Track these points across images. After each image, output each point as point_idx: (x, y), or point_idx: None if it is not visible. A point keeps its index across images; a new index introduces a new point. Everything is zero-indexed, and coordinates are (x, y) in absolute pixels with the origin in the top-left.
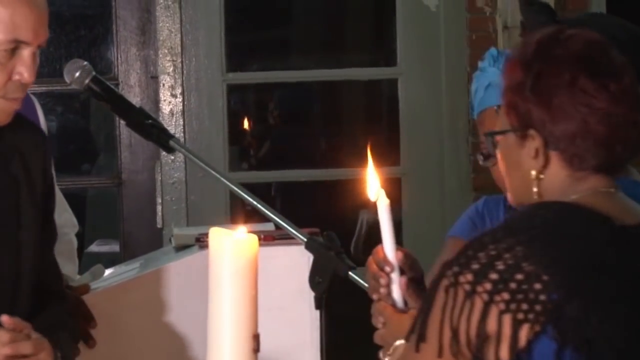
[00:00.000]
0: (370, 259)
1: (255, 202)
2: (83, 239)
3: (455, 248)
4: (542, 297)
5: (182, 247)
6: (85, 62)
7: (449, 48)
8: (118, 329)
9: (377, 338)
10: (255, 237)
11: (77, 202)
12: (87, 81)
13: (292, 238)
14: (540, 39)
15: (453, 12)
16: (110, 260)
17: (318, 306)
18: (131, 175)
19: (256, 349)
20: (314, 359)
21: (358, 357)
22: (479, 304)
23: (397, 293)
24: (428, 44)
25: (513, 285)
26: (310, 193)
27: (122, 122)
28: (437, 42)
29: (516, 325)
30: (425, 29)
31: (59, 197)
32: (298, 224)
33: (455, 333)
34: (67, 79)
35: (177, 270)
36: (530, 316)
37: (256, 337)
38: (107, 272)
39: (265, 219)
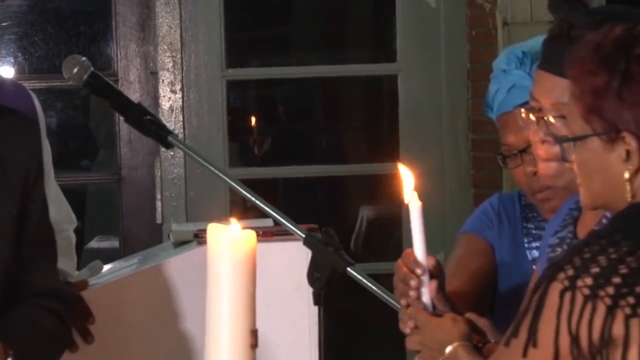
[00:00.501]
0: (400, 261)
1: (253, 198)
2: (83, 235)
3: (469, 244)
4: None
5: (181, 243)
6: (84, 58)
7: (448, 44)
8: (116, 324)
9: (412, 343)
10: (253, 233)
11: (76, 198)
12: (85, 77)
13: (291, 234)
14: (618, 38)
15: (453, 8)
16: (110, 256)
17: (316, 302)
18: (131, 171)
19: (254, 345)
20: (312, 355)
21: (356, 353)
22: (601, 309)
23: (426, 297)
24: (428, 40)
25: (639, 289)
26: (310, 189)
27: (121, 118)
28: (436, 38)
29: None
30: (425, 25)
31: (57, 193)
32: (298, 220)
33: (575, 338)
34: (65, 74)
35: (175, 266)
36: None
37: (254, 333)
38: (106, 268)
39: (264, 215)
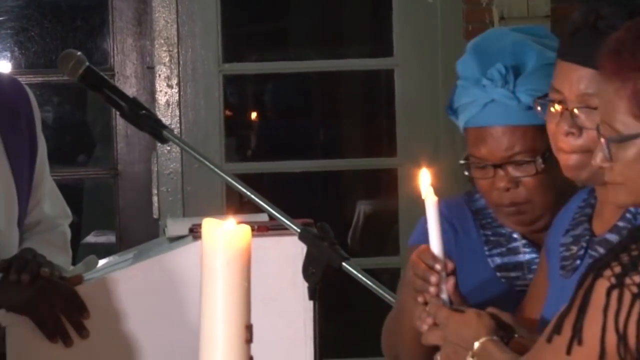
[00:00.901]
0: (416, 258)
1: (248, 193)
2: (79, 230)
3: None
4: None
5: (176, 238)
6: (79, 53)
7: (445, 39)
8: (111, 319)
9: (433, 338)
10: (248, 228)
11: (73, 193)
12: (80, 71)
13: (286, 229)
14: None
15: (450, 3)
16: (107, 251)
17: (312, 297)
18: (127, 166)
19: (249, 340)
20: (307, 350)
21: (352, 348)
22: None
23: (444, 293)
24: (424, 35)
25: None
26: (307, 184)
27: (117, 112)
28: (433, 33)
29: None
30: (422, 20)
31: (52, 188)
32: (295, 215)
33: (622, 337)
34: (60, 69)
35: (170, 261)
36: None
37: (249, 328)
38: (101, 262)
39: (259, 209)
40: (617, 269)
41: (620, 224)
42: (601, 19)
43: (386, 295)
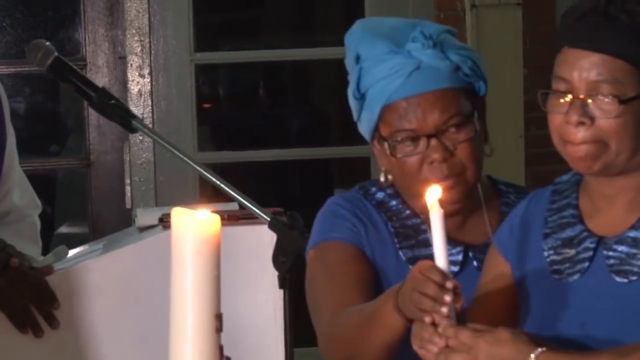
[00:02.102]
0: (421, 276)
1: (218, 182)
2: (53, 221)
3: (342, 253)
4: None
5: (146, 228)
6: (48, 43)
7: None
8: (81, 309)
9: None
10: (217, 217)
11: (46, 183)
12: (49, 61)
13: (256, 218)
14: None
15: None
16: (80, 241)
17: (282, 285)
18: (100, 156)
19: (219, 329)
20: (277, 338)
21: None
22: None
23: (453, 312)
24: None
25: None
26: (282, 173)
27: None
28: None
29: None
30: (394, 8)
31: (22, 178)
32: (267, 203)
33: None
34: (29, 59)
35: (139, 251)
36: None
37: (219, 317)
38: (71, 252)
39: (231, 199)
40: None
41: None
42: (612, 3)
43: None
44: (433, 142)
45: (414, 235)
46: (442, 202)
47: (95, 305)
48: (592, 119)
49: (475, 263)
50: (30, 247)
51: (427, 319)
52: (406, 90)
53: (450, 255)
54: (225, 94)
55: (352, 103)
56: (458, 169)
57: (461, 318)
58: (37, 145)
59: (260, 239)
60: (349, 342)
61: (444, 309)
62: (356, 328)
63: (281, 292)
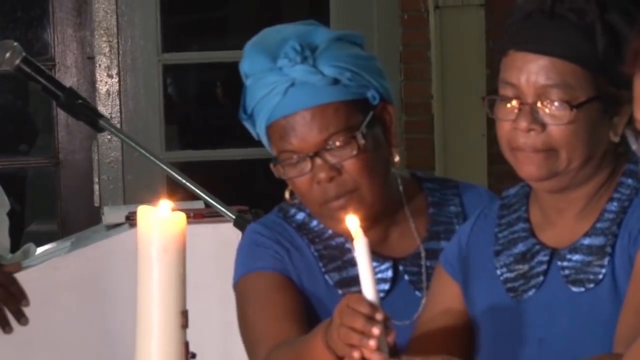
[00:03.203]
0: (348, 309)
1: (184, 181)
2: (23, 219)
3: (261, 286)
4: None
5: (113, 226)
6: (16, 43)
7: (381, 28)
8: (49, 306)
9: None
10: (183, 215)
11: (16, 182)
12: (17, 62)
13: (222, 216)
14: None
15: None
16: (49, 239)
17: None
18: (68, 155)
19: (185, 325)
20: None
21: None
22: None
23: (384, 344)
24: (362, 23)
25: None
26: (246, 171)
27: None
28: (370, 22)
29: None
30: (359, 9)
31: None
32: (233, 201)
33: None
34: None
35: (106, 248)
36: None
37: (185, 314)
38: (40, 250)
39: (197, 197)
40: None
41: (601, 225)
42: (558, 3)
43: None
44: (317, 161)
45: (339, 255)
46: (339, 223)
47: (63, 302)
48: (543, 125)
49: (406, 277)
50: None
51: (356, 355)
52: (283, 109)
53: (379, 272)
54: (192, 93)
55: (244, 123)
56: (350, 186)
57: (394, 351)
58: (6, 144)
59: (226, 237)
60: None
61: (372, 342)
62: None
63: None
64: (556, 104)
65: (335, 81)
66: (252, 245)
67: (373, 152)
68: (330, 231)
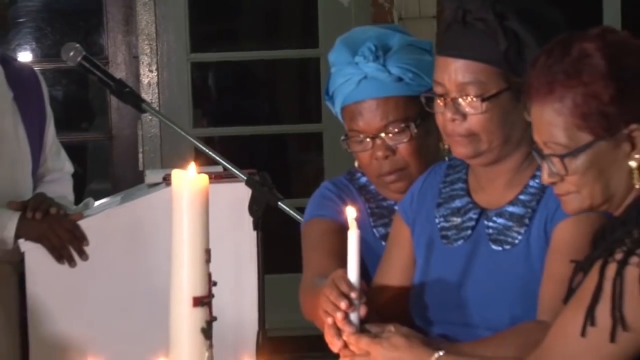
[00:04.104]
0: (332, 282)
1: (206, 150)
2: (84, 180)
3: (321, 228)
4: None
5: (154, 185)
6: (78, 45)
7: None
8: (104, 246)
9: None
10: (206, 176)
11: (79, 152)
12: (79, 59)
13: (236, 177)
14: (586, 49)
15: (361, 6)
16: (104, 195)
17: (255, 227)
18: (119, 131)
19: (208, 260)
20: (252, 267)
21: (285, 266)
22: None
23: (355, 317)
24: (342, 31)
25: None
26: (254, 143)
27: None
28: (349, 29)
29: None
30: (340, 20)
31: (59, 148)
32: (244, 166)
33: (634, 311)
34: (63, 57)
35: (148, 202)
36: None
37: (208, 251)
38: (97, 203)
39: (217, 162)
40: (619, 256)
41: (523, 197)
42: (468, 13)
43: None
44: (377, 141)
45: (388, 214)
46: (390, 192)
47: (114, 243)
48: (464, 115)
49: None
50: (65, 199)
51: (329, 321)
52: (355, 96)
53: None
54: (213, 84)
55: (326, 102)
56: (400, 165)
57: (363, 326)
58: (72, 123)
59: (239, 194)
60: (305, 308)
61: (339, 315)
62: (309, 299)
63: (255, 233)
64: (472, 98)
65: (399, 79)
66: (320, 197)
67: (423, 140)
68: (382, 195)
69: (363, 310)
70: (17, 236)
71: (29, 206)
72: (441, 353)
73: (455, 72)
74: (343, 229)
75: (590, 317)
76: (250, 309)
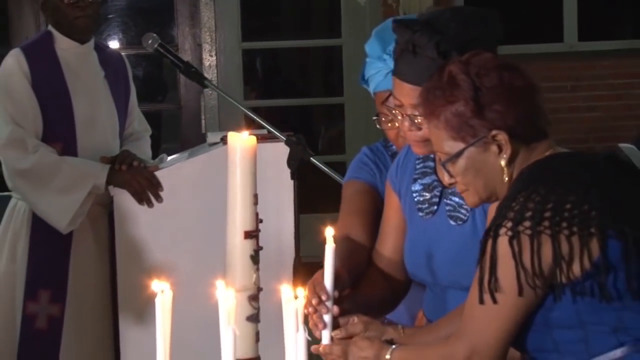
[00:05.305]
0: (310, 282)
1: (254, 117)
2: (159, 141)
3: (353, 189)
4: (593, 214)
5: (214, 144)
6: (155, 34)
7: (371, 28)
8: (175, 192)
9: None
10: (254, 138)
11: (155, 119)
12: (155, 46)
13: (277, 138)
14: (452, 71)
15: (374, 5)
16: (175, 152)
17: (292, 177)
18: (186, 102)
19: (256, 202)
20: (290, 207)
21: (315, 207)
22: (546, 238)
23: (328, 318)
24: (359, 25)
25: (567, 214)
26: (291, 111)
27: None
28: (364, 24)
29: (585, 240)
30: (358, 16)
31: (139, 114)
32: (283, 129)
33: (532, 269)
34: (143, 44)
35: (209, 158)
36: (593, 230)
37: (256, 196)
38: (169, 158)
39: (262, 126)
40: (509, 224)
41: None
42: (418, 46)
43: (334, 176)
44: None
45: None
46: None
47: (183, 190)
48: (419, 127)
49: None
50: (144, 155)
51: (310, 310)
52: (383, 86)
53: None
54: (259, 66)
55: (363, 85)
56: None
57: (337, 323)
58: (150, 96)
59: (279, 151)
60: None
61: (310, 308)
62: None
63: (292, 181)
64: (420, 117)
65: None
66: (357, 162)
67: None
68: None
69: (336, 310)
70: (108, 183)
71: (117, 160)
72: (394, 347)
73: (407, 94)
74: (374, 190)
75: (480, 286)
76: (289, 240)
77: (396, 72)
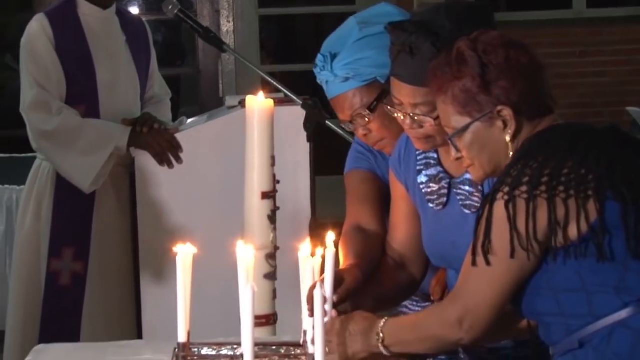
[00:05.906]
0: (310, 293)
1: (271, 80)
2: (179, 104)
3: (355, 178)
4: (591, 177)
5: (232, 107)
6: (176, 1)
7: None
8: (194, 154)
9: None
10: (271, 101)
11: (175, 83)
12: (175, 11)
13: (294, 102)
14: (461, 47)
15: None
16: (194, 114)
17: (309, 140)
18: (205, 66)
19: (273, 164)
20: (306, 171)
21: (330, 170)
22: (542, 202)
23: (327, 317)
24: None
25: (563, 179)
26: (307, 76)
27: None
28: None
29: (582, 203)
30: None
31: (160, 78)
32: (300, 93)
33: (526, 232)
34: (164, 10)
35: (228, 120)
36: (590, 192)
37: (273, 157)
38: (189, 121)
39: (279, 90)
40: (506, 189)
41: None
42: (415, 47)
43: (349, 139)
44: (355, 125)
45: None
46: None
47: (202, 150)
48: (420, 125)
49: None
50: (165, 117)
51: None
52: (329, 94)
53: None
54: (275, 32)
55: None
56: (377, 138)
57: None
58: (169, 60)
59: (296, 114)
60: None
61: (310, 312)
62: (342, 247)
63: (308, 144)
64: (424, 115)
65: (346, 79)
66: (354, 152)
67: (383, 115)
68: None
69: (334, 314)
70: (129, 145)
71: (138, 122)
72: (385, 319)
73: (407, 94)
74: (376, 177)
75: (474, 249)
76: (305, 201)
77: (394, 73)
